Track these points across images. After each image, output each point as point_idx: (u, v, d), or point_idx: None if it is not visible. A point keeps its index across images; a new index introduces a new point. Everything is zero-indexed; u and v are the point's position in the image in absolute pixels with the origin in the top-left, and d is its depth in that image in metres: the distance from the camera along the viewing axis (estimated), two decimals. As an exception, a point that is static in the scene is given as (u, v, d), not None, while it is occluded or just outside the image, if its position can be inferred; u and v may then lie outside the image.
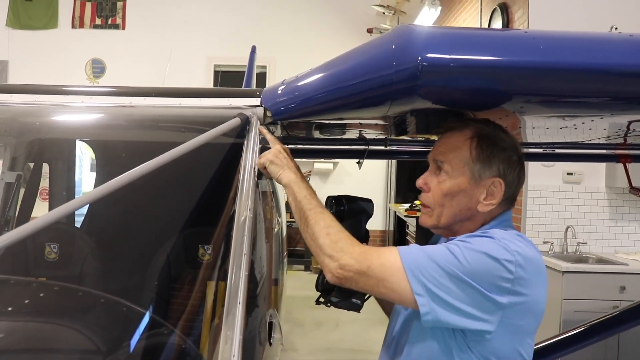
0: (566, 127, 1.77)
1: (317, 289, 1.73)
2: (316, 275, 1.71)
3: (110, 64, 9.23)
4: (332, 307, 1.72)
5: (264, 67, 8.94)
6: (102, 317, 1.43)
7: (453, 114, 1.70)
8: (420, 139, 2.52)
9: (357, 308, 1.73)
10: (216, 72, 9.31)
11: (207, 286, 1.88)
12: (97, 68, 9.29)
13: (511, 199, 1.47)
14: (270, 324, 1.80)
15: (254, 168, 1.55)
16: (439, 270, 1.27)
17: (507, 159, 1.44)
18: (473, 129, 1.45)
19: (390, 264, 1.30)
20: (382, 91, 1.30)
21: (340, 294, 1.68)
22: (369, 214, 1.80)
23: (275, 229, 2.92)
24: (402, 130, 2.08)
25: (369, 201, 1.85)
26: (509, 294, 1.27)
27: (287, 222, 8.97)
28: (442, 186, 1.43)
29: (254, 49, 6.65)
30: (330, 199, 1.83)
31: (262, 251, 2.12)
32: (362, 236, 1.76)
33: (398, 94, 1.28)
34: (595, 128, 1.82)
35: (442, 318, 1.26)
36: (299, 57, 7.33)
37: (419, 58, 1.21)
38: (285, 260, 3.81)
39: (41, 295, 1.45)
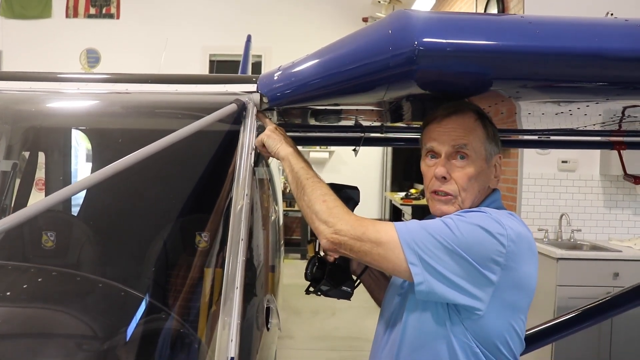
0: (561, 112, 1.77)
1: (307, 278, 1.73)
2: None
3: (105, 54, 9.18)
4: (322, 295, 1.72)
5: (260, 56, 8.91)
6: (99, 302, 1.44)
7: (449, 100, 1.70)
8: (417, 125, 2.52)
9: (348, 296, 1.73)
10: (212, 62, 9.27)
11: (204, 273, 1.89)
12: (92, 58, 9.23)
13: None
14: (268, 309, 1.81)
15: (251, 154, 1.55)
16: (433, 241, 1.28)
17: (497, 133, 1.50)
18: (473, 109, 1.46)
19: (385, 232, 1.32)
20: (378, 76, 1.30)
21: (330, 282, 1.68)
22: (355, 201, 1.79)
23: (272, 217, 2.92)
24: (398, 116, 2.08)
25: (355, 189, 1.83)
26: (501, 268, 1.29)
27: (284, 211, 9.01)
28: (467, 170, 1.42)
29: (249, 38, 6.62)
30: None
31: (259, 237, 2.13)
32: None
33: (394, 78, 1.29)
34: (590, 114, 1.83)
35: (436, 289, 1.28)
36: (294, 47, 7.26)
37: (415, 42, 1.22)
38: (282, 248, 3.82)
39: (39, 280, 1.46)
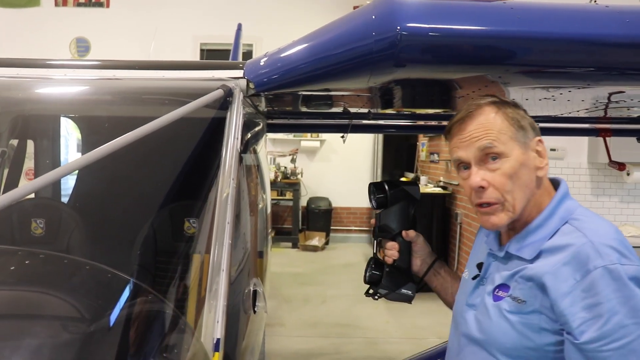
0: (546, 98, 1.80)
1: (365, 281, 1.70)
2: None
3: (94, 43, 9.11)
4: (380, 299, 1.69)
5: (250, 45, 8.88)
6: (86, 284, 1.45)
7: (437, 85, 1.72)
8: (407, 112, 2.55)
9: (409, 299, 1.67)
10: (202, 51, 9.24)
11: (192, 258, 1.91)
12: (82, 47, 9.17)
13: None
14: (255, 292, 1.83)
15: (237, 139, 1.56)
16: None
17: (528, 116, 1.34)
18: (487, 105, 1.31)
19: None
20: (362, 60, 1.32)
21: (388, 286, 1.65)
22: (415, 198, 1.72)
23: (260, 205, 2.94)
24: (388, 103, 2.10)
25: (415, 184, 1.76)
26: None
27: (275, 199, 9.04)
28: (504, 170, 1.27)
29: (239, 27, 6.60)
30: (371, 185, 1.75)
31: (246, 223, 2.14)
32: (410, 223, 1.71)
33: (378, 63, 1.31)
34: (574, 100, 1.86)
35: None
36: (285, 36, 7.23)
37: (398, 27, 1.24)
38: (270, 237, 3.84)
39: (26, 262, 1.47)
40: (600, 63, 1.33)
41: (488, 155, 1.28)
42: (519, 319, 1.24)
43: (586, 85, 1.55)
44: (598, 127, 2.75)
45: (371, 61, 1.30)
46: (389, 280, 1.65)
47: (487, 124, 1.29)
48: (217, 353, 1.21)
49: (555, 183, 1.38)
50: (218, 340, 1.22)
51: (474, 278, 1.43)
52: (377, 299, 1.70)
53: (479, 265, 1.43)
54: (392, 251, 1.69)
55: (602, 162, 4.65)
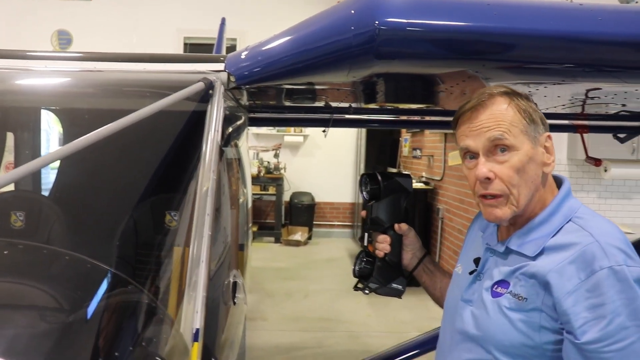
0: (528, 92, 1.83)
1: (355, 275, 1.67)
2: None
3: (77, 36, 9.02)
4: (370, 293, 1.66)
5: (234, 39, 8.85)
6: (65, 275, 1.45)
7: (418, 80, 1.74)
8: (390, 107, 2.57)
9: (399, 293, 1.65)
10: (186, 45, 9.19)
11: (173, 251, 1.91)
12: (64, 39, 9.07)
13: None
14: (234, 284, 1.84)
15: (218, 131, 1.57)
16: None
17: (539, 110, 1.31)
18: (500, 96, 1.28)
19: None
20: (341, 54, 1.34)
21: (379, 280, 1.63)
22: (407, 190, 1.70)
23: (241, 199, 2.95)
24: (369, 97, 2.12)
25: (407, 176, 1.74)
26: None
27: (258, 194, 9.03)
28: (512, 163, 1.25)
29: (223, 21, 6.58)
30: (363, 176, 1.73)
31: (226, 216, 2.15)
32: (402, 215, 1.70)
33: (357, 57, 1.33)
34: (554, 96, 1.89)
35: None
36: (269, 30, 7.22)
37: (376, 22, 1.25)
38: (250, 231, 3.84)
39: (5, 253, 1.47)
40: (574, 60, 1.36)
41: (497, 147, 1.26)
42: (519, 316, 1.23)
43: (561, 81, 1.58)
44: (576, 123, 2.79)
45: (350, 55, 1.32)
46: (379, 274, 1.63)
47: (499, 114, 1.26)
48: (196, 343, 1.22)
49: (558, 181, 1.36)
50: (197, 330, 1.24)
51: (470, 273, 1.40)
52: (367, 294, 1.67)
53: (476, 260, 1.41)
54: (383, 244, 1.66)
55: (581, 158, 4.69)
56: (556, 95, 1.88)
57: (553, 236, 1.25)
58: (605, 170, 4.60)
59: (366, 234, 1.74)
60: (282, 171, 9.12)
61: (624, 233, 1.23)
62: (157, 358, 1.33)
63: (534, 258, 1.24)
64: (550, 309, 1.18)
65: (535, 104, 1.31)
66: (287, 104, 2.37)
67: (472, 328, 1.33)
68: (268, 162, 9.16)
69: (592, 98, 1.97)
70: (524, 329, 1.22)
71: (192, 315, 1.26)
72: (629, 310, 1.12)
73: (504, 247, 1.32)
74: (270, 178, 9.01)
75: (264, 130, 9.27)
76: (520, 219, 1.31)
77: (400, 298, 1.68)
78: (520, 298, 1.23)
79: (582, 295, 1.14)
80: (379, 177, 1.69)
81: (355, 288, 1.69)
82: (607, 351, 1.12)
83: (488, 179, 1.26)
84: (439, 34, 1.29)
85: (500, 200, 1.27)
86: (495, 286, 1.30)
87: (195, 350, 1.20)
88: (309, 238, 9.12)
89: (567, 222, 1.26)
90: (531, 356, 1.23)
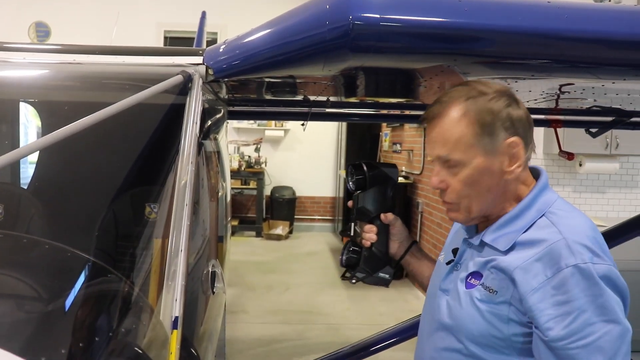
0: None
1: (342, 264, 1.68)
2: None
3: (55, 28, 8.93)
4: (357, 282, 1.67)
5: (215, 33, 8.83)
6: (44, 264, 1.46)
7: (395, 74, 1.78)
8: (370, 101, 2.60)
9: (386, 282, 1.66)
10: (166, 38, 9.14)
11: (153, 242, 1.93)
12: (42, 32, 8.96)
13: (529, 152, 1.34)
14: (213, 273, 1.86)
15: (196, 124, 1.59)
16: None
17: (509, 114, 1.29)
18: (457, 104, 1.29)
19: None
20: (316, 48, 1.37)
21: (365, 270, 1.64)
22: (394, 181, 1.72)
23: (220, 192, 2.97)
24: (348, 91, 2.15)
25: (393, 167, 1.75)
26: None
27: (239, 188, 9.03)
28: (460, 178, 1.30)
29: (204, 15, 6.56)
30: (349, 167, 1.74)
31: (205, 208, 2.17)
32: (388, 205, 1.72)
33: (331, 51, 1.36)
34: (526, 89, 1.94)
35: None
36: (250, 24, 7.21)
37: (351, 17, 1.28)
38: (230, 224, 3.86)
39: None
40: (540, 55, 1.40)
41: (445, 163, 1.31)
42: (488, 308, 1.25)
43: (531, 76, 1.63)
44: (550, 118, 2.86)
45: (325, 49, 1.35)
46: (366, 264, 1.64)
47: (447, 131, 1.29)
48: (175, 331, 1.24)
49: (536, 173, 1.38)
50: (176, 318, 1.26)
51: (448, 263, 1.44)
52: (354, 283, 1.69)
53: (455, 251, 1.44)
54: (370, 234, 1.68)
55: (556, 152, 4.79)
56: (528, 90, 1.93)
57: (525, 231, 1.27)
58: (580, 165, 4.69)
59: (352, 224, 1.77)
60: (263, 165, 9.13)
61: (596, 228, 1.26)
62: (135, 348, 1.36)
63: (505, 252, 1.27)
64: (518, 302, 1.21)
65: (510, 101, 1.30)
66: (267, 97, 2.39)
67: (446, 317, 1.36)
68: (249, 157, 9.16)
69: (565, 93, 2.02)
70: (492, 321, 1.25)
71: (171, 303, 1.28)
72: (594, 307, 1.14)
73: (479, 240, 1.35)
74: (251, 172, 9.02)
75: (244, 124, 9.26)
76: (491, 215, 1.35)
77: (387, 287, 1.70)
78: (491, 290, 1.26)
79: (548, 293, 1.17)
80: (365, 167, 1.71)
81: (343, 277, 1.72)
82: (573, 347, 1.14)
83: (440, 188, 1.34)
84: (411, 29, 1.32)
85: (452, 207, 1.35)
86: (470, 277, 1.33)
87: (175, 338, 1.22)
88: (290, 232, 9.15)
89: (541, 216, 1.28)
90: (500, 347, 1.26)
